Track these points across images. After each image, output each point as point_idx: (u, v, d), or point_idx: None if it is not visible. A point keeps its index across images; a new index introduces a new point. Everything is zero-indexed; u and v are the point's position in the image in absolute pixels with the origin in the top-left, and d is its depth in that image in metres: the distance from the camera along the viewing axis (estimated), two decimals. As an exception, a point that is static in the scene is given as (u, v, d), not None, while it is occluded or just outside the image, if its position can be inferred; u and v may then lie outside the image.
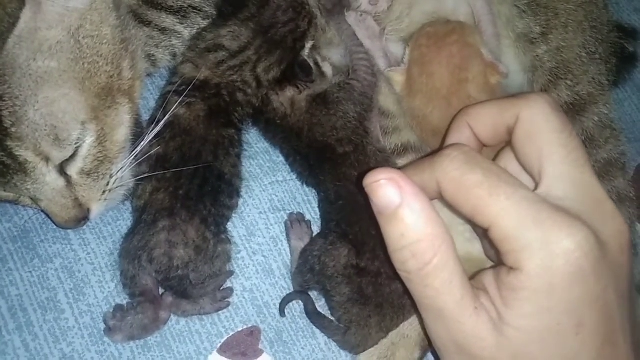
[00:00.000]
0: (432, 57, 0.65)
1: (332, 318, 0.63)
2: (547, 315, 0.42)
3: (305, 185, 0.69)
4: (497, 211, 0.41)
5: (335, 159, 0.65)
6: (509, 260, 0.42)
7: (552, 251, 0.41)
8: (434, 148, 0.67)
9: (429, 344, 0.64)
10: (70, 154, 0.55)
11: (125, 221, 0.65)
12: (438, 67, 0.64)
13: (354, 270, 0.59)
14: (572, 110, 0.69)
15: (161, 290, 0.61)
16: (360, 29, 0.70)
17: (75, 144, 0.55)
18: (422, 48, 0.66)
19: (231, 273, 0.63)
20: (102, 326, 0.60)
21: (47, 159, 0.54)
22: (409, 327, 0.63)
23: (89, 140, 0.56)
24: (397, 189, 0.41)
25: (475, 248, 0.66)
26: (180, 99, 0.61)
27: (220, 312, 0.62)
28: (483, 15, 0.69)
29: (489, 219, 0.42)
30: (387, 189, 0.41)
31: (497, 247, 0.43)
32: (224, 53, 0.65)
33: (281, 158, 0.70)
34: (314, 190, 0.69)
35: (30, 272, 0.62)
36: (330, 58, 0.72)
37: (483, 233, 0.46)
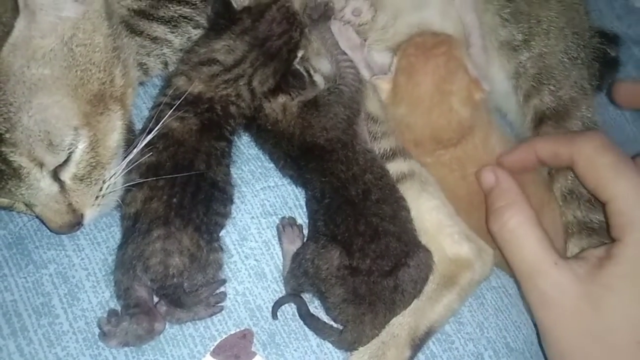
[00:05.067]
0: (419, 67, 0.66)
1: (325, 320, 0.64)
2: (634, 280, 0.52)
3: (295, 186, 0.70)
4: (617, 190, 0.54)
5: (323, 155, 0.66)
6: (615, 232, 0.54)
7: None
8: (417, 158, 0.70)
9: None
10: (63, 159, 0.56)
11: (118, 227, 0.65)
12: (424, 76, 0.66)
13: (347, 271, 0.60)
14: (556, 116, 0.71)
15: (155, 299, 0.61)
16: (342, 40, 0.72)
17: (68, 149, 0.56)
18: (410, 57, 0.67)
19: (224, 281, 0.64)
20: (96, 330, 0.61)
21: (41, 165, 0.55)
22: (399, 327, 0.64)
23: (82, 145, 0.57)
24: (495, 175, 0.61)
25: (462, 249, 0.68)
26: (172, 111, 0.62)
27: (213, 316, 0.63)
28: (473, 28, 0.71)
29: (608, 194, 0.55)
30: (488, 174, 0.62)
31: (609, 220, 0.55)
32: (217, 67, 0.66)
33: (272, 164, 0.71)
34: (304, 195, 0.70)
35: (25, 277, 0.63)
36: (319, 69, 0.73)
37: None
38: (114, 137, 0.60)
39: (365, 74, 0.71)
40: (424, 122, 0.67)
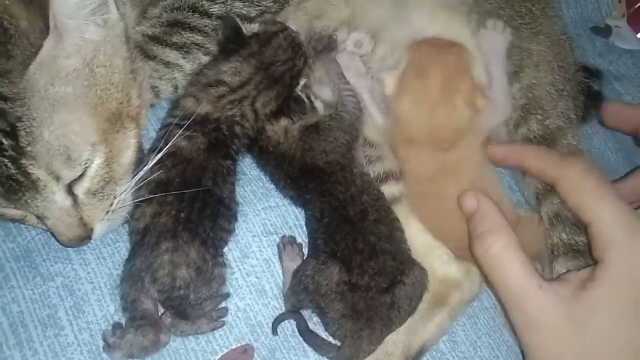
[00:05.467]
0: (431, 61, 0.68)
1: (324, 336, 0.65)
2: (617, 301, 0.53)
3: (295, 207, 0.73)
4: (599, 213, 0.55)
5: (322, 176, 0.69)
6: (597, 253, 0.55)
7: (634, 253, 0.53)
8: (402, 160, 0.72)
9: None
10: (79, 174, 0.58)
11: (124, 243, 0.67)
12: (434, 71, 0.68)
13: (346, 287, 0.62)
14: (543, 143, 0.74)
15: (160, 310, 0.63)
16: (350, 69, 0.75)
17: (85, 164, 0.58)
18: (424, 52, 0.70)
19: (227, 295, 0.65)
20: (101, 343, 0.62)
21: (57, 178, 0.57)
22: (393, 345, 0.66)
23: (98, 161, 0.59)
24: (476, 200, 0.61)
25: (451, 270, 0.71)
26: (182, 132, 0.65)
27: (215, 331, 0.64)
28: (497, 78, 0.73)
29: (591, 217, 0.56)
30: (470, 199, 0.62)
31: (591, 242, 0.56)
32: (224, 88, 0.69)
33: (274, 185, 0.74)
34: (304, 215, 0.72)
35: (32, 290, 0.64)
36: (320, 96, 0.77)
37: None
38: (128, 154, 0.63)
39: (367, 100, 0.75)
40: (425, 118, 0.68)
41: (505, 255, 0.57)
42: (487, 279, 0.62)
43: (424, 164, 0.70)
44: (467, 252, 0.66)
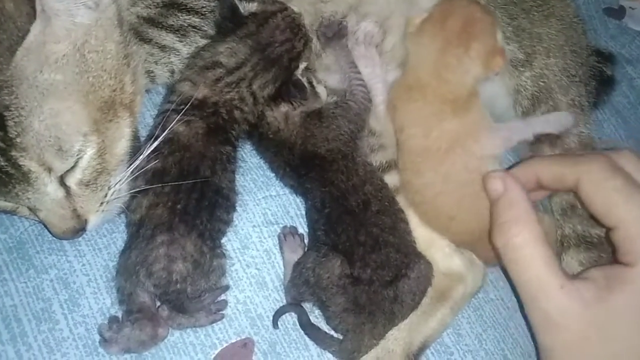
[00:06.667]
0: (457, 10, 0.65)
1: (326, 330, 0.64)
2: None
3: (296, 195, 0.71)
4: (629, 215, 0.51)
5: (323, 164, 0.67)
6: (626, 258, 0.51)
7: None
8: (397, 128, 0.68)
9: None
10: (72, 165, 0.56)
11: (120, 234, 0.66)
12: (458, 14, 0.64)
13: (348, 280, 0.61)
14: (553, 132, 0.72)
15: (157, 303, 0.61)
16: (366, 57, 0.73)
17: (77, 155, 0.56)
18: (455, 1, 0.66)
19: (227, 287, 0.64)
20: (97, 337, 0.61)
21: (49, 170, 0.55)
22: (394, 342, 0.65)
23: (90, 152, 0.57)
24: (503, 184, 0.55)
25: (454, 262, 0.69)
26: (179, 117, 0.63)
27: (214, 324, 0.63)
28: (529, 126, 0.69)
29: (617, 220, 0.52)
30: (496, 182, 0.56)
31: (617, 245, 0.52)
32: (221, 70, 0.67)
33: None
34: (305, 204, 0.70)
35: (25, 282, 0.63)
36: (326, 81, 0.74)
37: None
38: (122, 144, 0.61)
39: (380, 88, 0.72)
40: (435, 56, 0.65)
41: (528, 249, 0.52)
42: (505, 271, 0.59)
43: (418, 132, 0.66)
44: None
